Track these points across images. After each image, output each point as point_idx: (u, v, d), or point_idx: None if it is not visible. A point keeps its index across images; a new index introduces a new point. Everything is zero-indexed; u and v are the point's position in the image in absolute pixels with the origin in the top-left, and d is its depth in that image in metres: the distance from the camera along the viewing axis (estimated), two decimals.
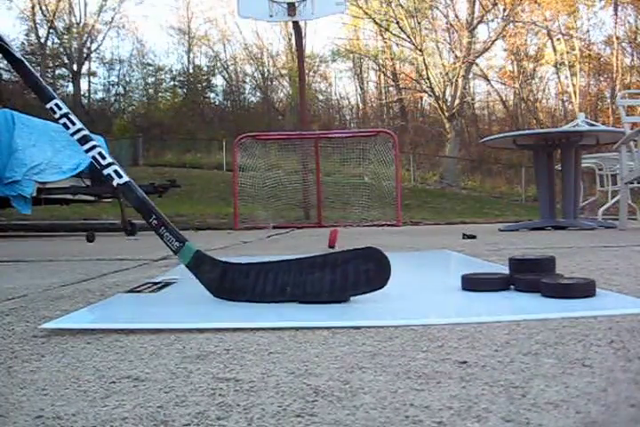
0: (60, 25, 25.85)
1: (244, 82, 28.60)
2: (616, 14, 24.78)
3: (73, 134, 1.18)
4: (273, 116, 27.00)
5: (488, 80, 26.43)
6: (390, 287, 1.30)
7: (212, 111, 27.79)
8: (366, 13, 23.83)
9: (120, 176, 1.16)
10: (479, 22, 24.25)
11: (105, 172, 1.16)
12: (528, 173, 18.38)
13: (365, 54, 27.35)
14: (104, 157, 1.17)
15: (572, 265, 1.57)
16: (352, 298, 1.12)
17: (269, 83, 28.18)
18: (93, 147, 1.17)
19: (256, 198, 8.11)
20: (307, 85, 15.78)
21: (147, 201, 1.15)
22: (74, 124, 1.19)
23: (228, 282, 1.10)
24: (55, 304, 1.11)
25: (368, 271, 1.01)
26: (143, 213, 1.15)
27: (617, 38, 24.74)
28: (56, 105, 1.17)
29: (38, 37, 25.45)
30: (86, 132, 1.19)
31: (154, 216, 1.14)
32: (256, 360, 0.66)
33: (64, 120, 1.18)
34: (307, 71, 20.13)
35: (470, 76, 25.02)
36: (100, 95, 27.59)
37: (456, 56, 24.12)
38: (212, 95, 28.70)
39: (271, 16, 8.89)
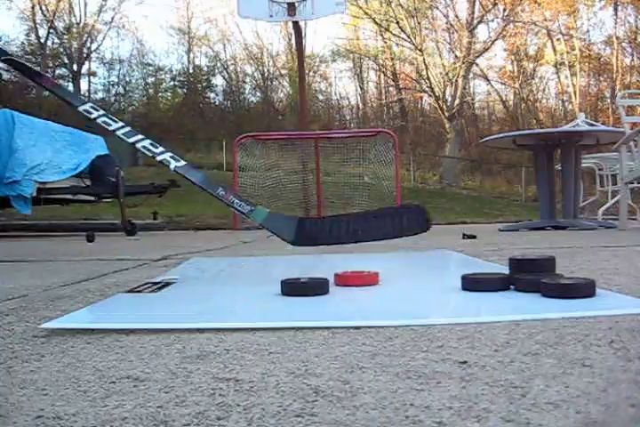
0: (60, 25, 25.86)
1: (244, 82, 28.61)
2: (616, 14, 24.81)
3: (117, 130, 1.24)
4: (273, 116, 26.99)
5: (488, 80, 26.46)
6: (390, 287, 1.30)
7: (212, 111, 27.78)
8: (366, 13, 23.84)
9: (177, 160, 1.27)
10: (479, 22, 24.27)
11: (159, 158, 1.25)
12: (528, 173, 18.38)
13: (365, 54, 27.35)
14: (156, 146, 1.27)
15: (572, 265, 1.57)
16: (352, 298, 1.13)
17: (269, 83, 28.19)
18: (142, 139, 1.26)
19: (256, 198, 8.11)
20: (307, 85, 15.77)
21: (207, 178, 1.29)
22: (116, 121, 1.27)
23: (306, 231, 1.29)
24: (55, 304, 1.11)
25: (417, 219, 1.33)
26: (209, 187, 1.27)
27: (617, 38, 24.75)
28: (92, 107, 1.24)
29: (38, 37, 25.45)
30: (129, 128, 1.26)
31: (220, 188, 1.29)
32: (256, 360, 0.66)
33: (104, 119, 1.26)
34: (307, 71, 20.13)
35: (470, 76, 25.05)
36: (100, 95, 27.59)
37: (456, 56, 24.15)
38: (212, 95, 28.72)
39: (271, 16, 8.89)
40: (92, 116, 1.24)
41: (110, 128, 1.24)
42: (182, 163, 1.25)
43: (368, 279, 1.23)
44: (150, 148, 1.25)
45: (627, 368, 0.58)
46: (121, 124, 1.25)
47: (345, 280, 1.24)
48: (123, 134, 1.24)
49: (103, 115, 1.25)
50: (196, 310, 1.03)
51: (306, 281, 1.10)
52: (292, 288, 1.09)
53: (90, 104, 1.27)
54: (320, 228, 1.30)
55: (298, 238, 1.26)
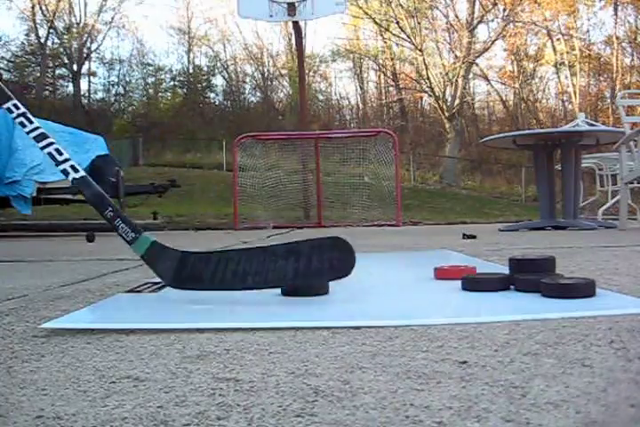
0: (60, 25, 25.87)
1: (244, 82, 28.62)
2: (616, 14, 24.80)
3: (29, 132, 1.19)
4: (273, 116, 26.99)
5: (488, 80, 26.46)
6: (390, 287, 1.30)
7: (212, 111, 27.79)
8: (366, 13, 23.84)
9: (76, 171, 1.16)
10: (479, 22, 24.27)
11: (60, 167, 1.16)
12: (528, 173, 18.38)
13: (365, 54, 27.35)
14: (61, 153, 1.17)
15: (571, 265, 1.57)
16: (352, 297, 1.12)
17: (269, 83, 28.20)
18: (50, 144, 1.18)
19: (256, 198, 8.11)
20: (307, 85, 15.77)
21: (104, 195, 1.16)
22: (31, 122, 1.19)
23: (187, 271, 1.08)
24: (55, 304, 1.11)
25: (332, 259, 1.01)
26: (98, 206, 1.15)
27: (617, 38, 24.75)
28: (14, 105, 1.19)
29: (38, 37, 25.46)
30: (43, 130, 1.19)
31: (109, 209, 1.14)
32: (256, 360, 0.66)
33: (21, 119, 1.19)
34: (307, 71, 20.13)
35: (470, 76, 25.04)
36: (99, 95, 27.62)
37: (456, 56, 24.14)
38: (212, 95, 28.73)
39: (271, 16, 8.90)
40: (13, 116, 1.19)
41: (24, 129, 1.18)
42: (81, 174, 1.16)
43: (467, 272, 1.26)
44: (55, 155, 1.17)
45: (627, 368, 0.58)
46: (36, 125, 1.18)
47: (445, 274, 1.30)
48: (34, 137, 1.18)
49: (23, 114, 1.19)
50: (196, 310, 1.03)
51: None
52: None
53: (13, 101, 1.19)
54: (204, 269, 1.08)
55: (175, 280, 1.08)
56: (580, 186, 5.58)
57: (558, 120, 24.13)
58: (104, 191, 1.18)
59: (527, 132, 6.01)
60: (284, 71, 27.19)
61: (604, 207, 6.22)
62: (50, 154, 1.18)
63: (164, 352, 0.71)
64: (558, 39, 25.40)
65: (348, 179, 9.10)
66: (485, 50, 24.55)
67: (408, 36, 24.09)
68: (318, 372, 0.61)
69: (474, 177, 22.53)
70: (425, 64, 23.67)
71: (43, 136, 1.18)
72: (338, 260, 1.01)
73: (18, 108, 1.19)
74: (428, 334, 0.77)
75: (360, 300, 1.11)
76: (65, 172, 1.16)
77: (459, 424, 0.45)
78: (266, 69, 27.94)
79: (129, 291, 1.25)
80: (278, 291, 1.12)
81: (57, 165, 1.17)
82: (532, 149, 5.10)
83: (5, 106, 1.18)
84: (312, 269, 1.02)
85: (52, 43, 26.07)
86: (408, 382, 0.56)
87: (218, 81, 28.42)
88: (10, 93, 1.20)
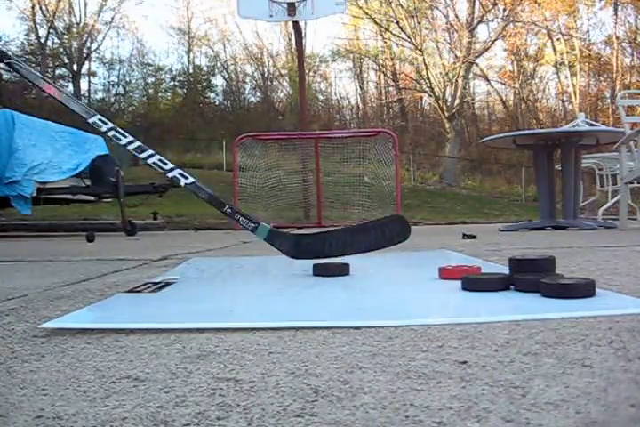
0: (60, 25, 25.85)
1: (244, 82, 28.62)
2: (616, 14, 24.80)
3: (126, 144, 1.28)
4: (273, 116, 26.99)
5: (488, 80, 26.45)
6: (390, 287, 1.30)
7: (212, 111, 27.78)
8: (366, 13, 23.83)
9: (186, 177, 1.35)
10: (479, 22, 24.27)
11: (170, 175, 1.33)
12: (528, 173, 18.38)
13: (365, 54, 27.35)
14: (165, 163, 1.33)
15: (571, 265, 1.57)
16: (352, 298, 1.13)
17: (269, 83, 28.19)
18: (152, 155, 1.31)
19: (256, 198, 8.11)
20: (307, 85, 15.77)
21: (216, 195, 1.40)
22: (125, 136, 1.31)
23: (303, 247, 1.46)
24: (55, 304, 1.11)
25: (396, 229, 1.44)
26: (217, 204, 1.38)
27: (617, 38, 24.75)
28: (100, 120, 1.32)
29: (38, 37, 25.44)
30: (139, 142, 1.32)
31: (227, 206, 1.39)
32: (256, 360, 0.66)
33: (113, 133, 1.31)
34: (307, 71, 20.13)
35: (470, 76, 25.04)
36: (99, 95, 27.60)
37: (456, 56, 24.14)
38: (212, 95, 28.72)
39: (271, 16, 8.89)
40: (102, 129, 1.29)
41: (120, 142, 1.30)
42: (192, 180, 1.35)
43: (472, 272, 1.28)
44: (161, 164, 1.31)
45: (627, 368, 0.58)
46: (131, 138, 1.30)
47: (450, 274, 1.30)
48: (134, 149, 1.30)
49: (113, 128, 1.31)
50: (196, 310, 1.03)
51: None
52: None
53: (98, 116, 1.32)
54: (315, 243, 1.46)
55: (297, 253, 1.43)
56: (580, 186, 5.58)
57: (558, 120, 24.14)
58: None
59: (527, 132, 6.01)
60: (284, 71, 27.20)
61: (604, 207, 6.22)
62: (155, 163, 1.32)
63: (164, 352, 0.71)
64: (558, 39, 25.41)
65: (348, 179, 9.10)
66: (485, 50, 24.56)
67: (408, 36, 24.09)
68: (318, 372, 0.61)
69: (474, 177, 22.53)
70: (425, 64, 23.68)
71: (141, 148, 1.29)
72: (400, 229, 1.44)
73: (105, 122, 1.27)
74: (427, 334, 0.77)
75: (360, 300, 1.11)
76: (175, 179, 1.33)
77: (459, 424, 0.45)
78: (266, 69, 27.95)
79: (129, 291, 1.25)
80: (278, 291, 1.12)
81: (165, 173, 1.32)
82: (532, 149, 5.10)
83: (91, 120, 1.25)
84: (386, 237, 1.43)
85: (52, 43, 26.07)
86: (408, 382, 0.56)
87: (218, 81, 28.45)
88: (94, 110, 1.27)
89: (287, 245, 1.45)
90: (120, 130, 1.30)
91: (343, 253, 1.42)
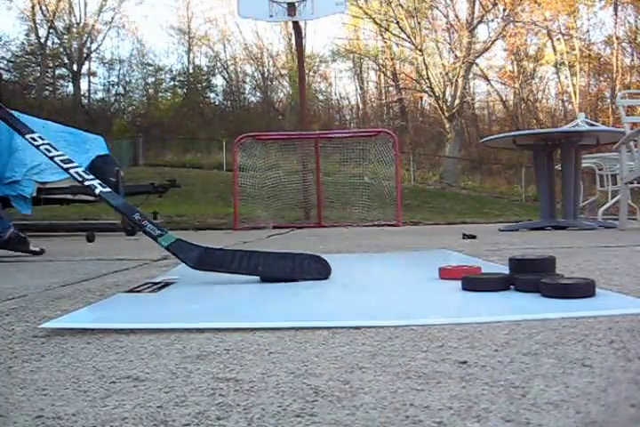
0: (60, 25, 25.85)
1: (244, 82, 28.62)
2: (616, 14, 24.79)
3: (53, 158, 1.46)
4: (273, 116, 27.00)
5: (488, 80, 26.45)
6: (390, 287, 1.30)
7: (212, 111, 27.78)
8: (366, 13, 23.82)
9: (103, 186, 1.43)
10: (479, 22, 24.25)
11: (87, 183, 1.43)
12: (528, 173, 18.37)
13: (365, 54, 27.35)
14: (87, 173, 1.46)
15: (572, 265, 1.57)
16: (353, 297, 1.13)
17: (269, 83, 28.19)
18: (75, 166, 1.46)
19: (256, 198, 8.11)
20: (307, 85, 15.77)
21: (127, 203, 1.47)
22: (56, 149, 1.48)
23: (208, 259, 1.41)
24: (55, 304, 1.11)
25: (317, 267, 1.40)
26: (126, 212, 1.42)
27: (617, 38, 24.74)
28: (38, 137, 1.49)
29: (38, 37, 25.44)
30: (66, 156, 1.48)
31: (137, 213, 1.40)
32: (256, 360, 0.66)
33: (46, 146, 1.48)
34: (307, 71, 20.13)
35: (470, 76, 25.02)
36: (99, 95, 27.60)
37: (456, 56, 24.12)
38: (212, 95, 28.72)
39: (271, 16, 8.89)
40: (36, 144, 1.48)
41: (49, 155, 1.46)
42: (107, 189, 1.43)
43: (472, 272, 1.27)
44: (82, 174, 1.44)
45: (627, 368, 0.58)
46: (60, 152, 1.47)
47: (450, 274, 1.29)
48: (60, 161, 1.45)
49: (47, 143, 1.47)
50: (196, 310, 1.03)
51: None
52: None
53: (37, 134, 1.50)
54: (222, 259, 1.41)
55: (197, 264, 1.38)
56: (580, 186, 5.58)
57: (558, 120, 24.13)
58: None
59: (527, 132, 6.00)
60: (284, 71, 27.20)
61: (604, 207, 6.22)
62: (77, 173, 1.45)
63: (164, 352, 0.71)
64: (558, 39, 25.40)
65: (348, 179, 9.10)
66: (485, 50, 24.54)
67: (408, 36, 24.08)
68: (318, 372, 0.61)
69: (474, 177, 22.53)
70: (425, 64, 23.66)
71: (68, 161, 1.46)
72: (321, 268, 1.40)
73: (42, 138, 1.47)
74: (427, 334, 0.77)
75: (360, 300, 1.11)
76: (92, 186, 1.42)
77: (459, 424, 0.45)
78: (266, 69, 27.95)
79: (129, 291, 1.25)
80: (278, 290, 1.13)
81: (83, 182, 1.44)
82: (532, 149, 5.10)
83: (29, 136, 1.43)
84: (303, 269, 1.39)
85: (52, 43, 26.08)
86: (408, 382, 0.56)
87: (218, 81, 28.45)
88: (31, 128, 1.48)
89: (189, 256, 1.39)
90: (53, 144, 1.49)
91: (248, 272, 1.36)
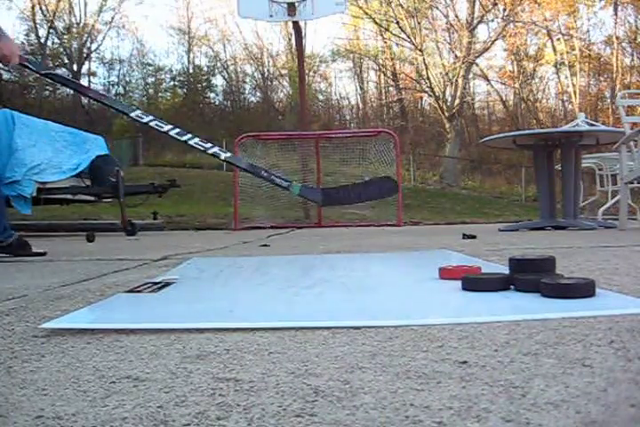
0: (60, 25, 25.85)
1: (244, 82, 28.62)
2: (616, 14, 24.79)
3: (168, 131, 1.60)
4: (273, 116, 26.99)
5: (488, 80, 26.44)
6: (390, 287, 1.30)
7: (212, 111, 27.78)
8: (366, 13, 23.82)
9: (225, 152, 1.69)
10: (479, 22, 24.23)
11: (210, 151, 1.64)
12: (528, 173, 18.37)
13: (365, 54, 27.34)
14: (205, 142, 1.65)
15: (572, 265, 1.57)
16: (353, 297, 1.13)
17: (269, 83, 28.19)
18: (192, 137, 1.63)
19: (256, 198, 8.11)
20: (307, 85, 15.77)
21: (251, 164, 1.75)
22: (167, 124, 1.60)
23: (330, 196, 1.98)
24: (55, 304, 1.11)
25: (389, 186, 1.91)
26: (254, 172, 1.73)
27: (617, 38, 24.73)
28: (142, 113, 1.59)
29: (38, 37, 25.45)
30: (179, 129, 1.58)
31: (263, 171, 1.74)
32: (256, 360, 0.66)
33: (155, 122, 1.60)
34: (307, 71, 20.12)
35: (470, 76, 25.01)
36: None
37: (456, 56, 24.11)
38: (212, 95, 28.71)
39: (271, 16, 8.89)
40: (144, 121, 1.59)
41: (162, 130, 1.59)
42: (229, 154, 1.68)
43: (472, 272, 1.27)
44: (201, 144, 1.62)
45: (627, 368, 0.58)
46: (171, 126, 1.60)
47: (450, 274, 1.29)
48: (177, 133, 1.61)
49: (154, 119, 1.58)
50: (196, 310, 1.03)
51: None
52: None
53: (139, 111, 1.59)
54: (336, 194, 1.96)
55: (324, 201, 1.93)
56: (580, 186, 5.57)
57: (558, 120, 24.13)
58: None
59: (527, 132, 6.00)
60: (284, 71, 27.19)
61: (604, 207, 6.22)
62: (197, 143, 1.62)
63: (164, 352, 0.71)
64: (558, 39, 25.39)
65: (348, 179, 9.09)
66: (485, 50, 24.53)
67: (408, 36, 24.07)
68: (318, 372, 0.61)
69: (474, 177, 22.52)
70: (425, 64, 23.66)
71: (183, 132, 1.60)
72: (393, 187, 1.88)
73: (146, 115, 1.61)
74: (428, 334, 0.77)
75: (360, 300, 1.11)
76: (216, 153, 1.64)
77: (459, 424, 0.45)
78: (266, 69, 27.95)
79: (129, 291, 1.25)
80: (278, 290, 1.12)
81: (206, 151, 1.61)
82: (531, 149, 5.09)
83: (134, 114, 1.53)
84: (382, 191, 1.95)
85: (52, 43, 26.07)
86: (408, 382, 0.56)
87: (218, 81, 28.44)
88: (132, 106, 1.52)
89: (315, 197, 1.98)
90: (160, 120, 1.58)
91: (356, 201, 1.96)
